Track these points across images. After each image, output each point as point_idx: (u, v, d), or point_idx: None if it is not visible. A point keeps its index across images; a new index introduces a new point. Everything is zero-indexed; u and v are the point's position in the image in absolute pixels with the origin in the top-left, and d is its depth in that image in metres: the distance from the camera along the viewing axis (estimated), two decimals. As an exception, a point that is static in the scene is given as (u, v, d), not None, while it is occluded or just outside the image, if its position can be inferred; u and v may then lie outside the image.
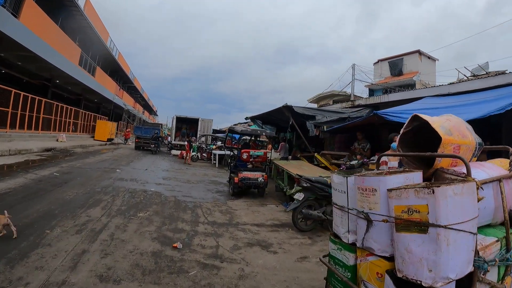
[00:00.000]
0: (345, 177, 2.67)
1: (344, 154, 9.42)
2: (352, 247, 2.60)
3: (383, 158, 6.27)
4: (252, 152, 9.46)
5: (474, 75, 14.45)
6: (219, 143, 22.63)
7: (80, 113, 28.65)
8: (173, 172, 13.71)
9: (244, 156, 9.31)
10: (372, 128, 10.37)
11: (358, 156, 9.28)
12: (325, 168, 9.93)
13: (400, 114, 7.68)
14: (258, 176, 9.19)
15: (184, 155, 20.13)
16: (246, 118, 16.62)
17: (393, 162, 6.21)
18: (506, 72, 9.62)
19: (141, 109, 53.02)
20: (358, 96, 23.40)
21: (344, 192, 2.67)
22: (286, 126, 13.84)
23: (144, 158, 18.94)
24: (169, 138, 28.48)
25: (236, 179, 9.05)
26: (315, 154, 10.30)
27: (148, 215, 6.43)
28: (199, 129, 24.85)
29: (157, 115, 78.71)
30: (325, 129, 12.74)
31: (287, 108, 10.64)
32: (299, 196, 6.36)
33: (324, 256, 3.06)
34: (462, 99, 8.32)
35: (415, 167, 2.67)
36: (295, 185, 8.05)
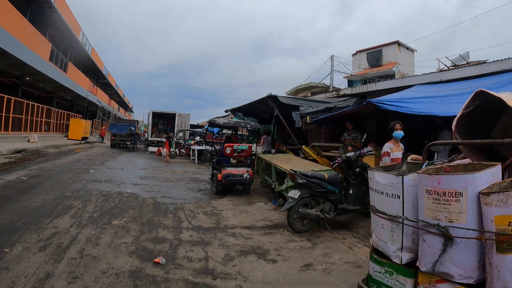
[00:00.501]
0: (400, 176, 1.93)
1: (337, 145, 8.78)
2: (408, 270, 1.91)
3: (385, 149, 5.67)
4: (236, 146, 8.70)
5: (455, 65, 14.18)
6: (197, 138, 21.78)
7: (52, 111, 27.20)
8: (151, 170, 12.78)
9: (228, 151, 8.53)
10: (357, 118, 9.82)
11: (350, 148, 8.69)
12: (314, 161, 9.31)
13: (397, 103, 7.11)
14: (243, 172, 8.45)
15: (162, 152, 19.15)
16: (226, 111, 15.77)
17: (397, 153, 5.61)
18: (486, 61, 9.22)
19: (116, 106, 51.03)
20: (337, 88, 23.02)
21: (398, 197, 1.95)
22: (269, 118, 13.13)
23: (120, 156, 17.87)
24: (146, 134, 27.38)
25: (219, 176, 8.28)
26: (303, 147, 9.64)
27: (124, 222, 5.58)
28: (176, 124, 23.85)
29: (133, 112, 76.54)
30: (308, 121, 12.14)
31: (272, 98, 9.92)
32: (294, 193, 5.66)
33: (363, 280, 2.36)
34: (458, 87, 7.84)
35: (476, 158, 2.01)
36: (285, 180, 7.37)
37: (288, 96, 10.92)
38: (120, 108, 58.08)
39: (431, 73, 9.93)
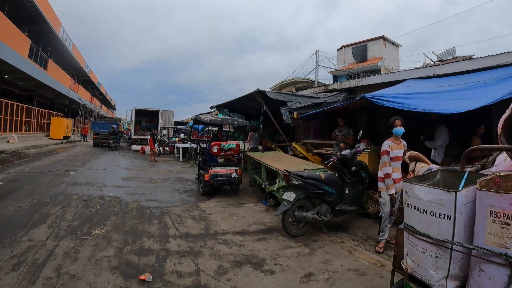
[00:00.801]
0: (452, 193, 1.53)
1: (331, 142, 8.44)
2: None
3: (384, 147, 5.33)
4: (223, 144, 8.27)
5: (441, 60, 14.05)
6: (182, 135, 21.24)
7: (33, 110, 26.07)
8: (134, 170, 12.23)
9: (215, 149, 8.10)
10: (347, 113, 9.50)
11: (342, 145, 8.38)
12: (304, 158, 8.98)
13: (393, 99, 6.77)
14: (232, 171, 8.05)
15: (145, 150, 18.54)
16: (212, 107, 15.23)
17: (397, 151, 5.28)
18: (473, 57, 9.02)
19: (98, 104, 49.76)
20: (323, 83, 22.78)
21: (448, 217, 1.55)
22: (256, 114, 12.71)
23: (103, 156, 17.19)
24: (129, 132, 26.65)
25: (206, 176, 7.85)
26: (293, 144, 9.27)
27: (105, 231, 5.10)
28: (160, 121, 23.20)
29: (115, 110, 74.97)
30: (295, 117, 11.79)
31: (260, 94, 9.50)
32: (289, 196, 5.28)
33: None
34: (454, 82, 7.60)
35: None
36: (277, 180, 7.01)
37: (276, 91, 10.53)
38: (103, 105, 56.80)
39: (424, 67, 9.68)
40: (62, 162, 13.58)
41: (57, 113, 31.91)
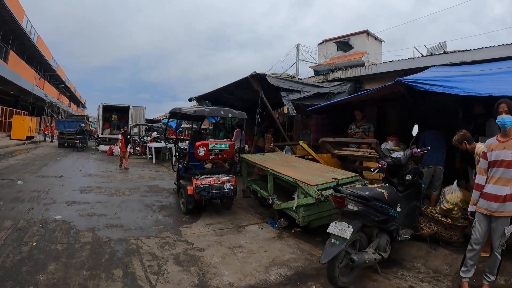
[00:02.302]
0: None
1: (367, 141, 6.23)
2: None
3: (483, 147, 3.36)
4: (212, 144, 6.02)
5: (431, 54, 12.78)
6: (154, 134, 18.70)
7: None
8: (98, 177, 9.70)
9: (201, 152, 5.82)
10: (351, 107, 7.61)
11: (391, 139, 6.49)
12: (314, 160, 6.91)
13: (440, 82, 4.98)
14: (224, 181, 5.84)
15: (114, 151, 15.87)
16: (190, 99, 12.65)
17: (505, 152, 3.29)
18: (468, 50, 7.45)
19: (67, 101, 45.61)
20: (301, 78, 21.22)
21: None
22: (244, 106, 10.52)
23: (64, 159, 14.45)
24: (97, 131, 23.73)
25: (190, 189, 5.61)
26: (301, 143, 7.12)
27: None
28: (130, 118, 20.45)
29: (86, 108, 70.00)
30: (284, 111, 9.71)
31: (257, 79, 7.30)
32: (342, 229, 3.13)
33: None
34: (499, 66, 5.85)
35: None
36: (295, 195, 4.90)
37: (277, 77, 8.39)
38: (72, 103, 52.61)
39: (452, 52, 7.95)
40: (14, 167, 10.88)
41: (20, 111, 28.33)
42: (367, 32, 25.54)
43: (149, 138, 17.61)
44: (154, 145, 14.81)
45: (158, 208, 6.29)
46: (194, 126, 9.14)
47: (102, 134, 20.64)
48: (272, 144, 8.12)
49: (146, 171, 11.26)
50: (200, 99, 11.45)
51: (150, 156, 14.74)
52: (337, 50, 26.92)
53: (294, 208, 4.88)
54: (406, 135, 5.57)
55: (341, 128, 7.95)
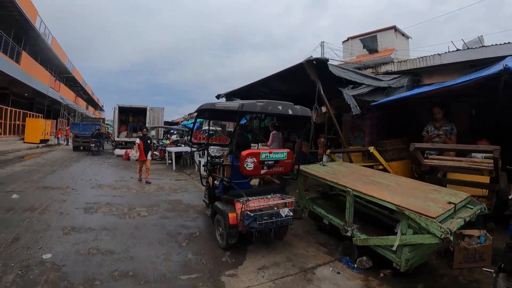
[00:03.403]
0: None
1: (488, 148, 4.29)
2: None
3: None
4: (265, 154, 4.20)
5: (468, 48, 11.17)
6: (174, 137, 17.04)
7: (3, 110, 21.39)
8: (109, 188, 8.01)
9: (249, 164, 4.06)
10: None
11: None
12: (384, 170, 5.11)
13: None
14: (280, 205, 4.10)
15: (131, 155, 14.15)
16: (218, 96, 10.60)
17: None
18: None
19: (84, 104, 44.43)
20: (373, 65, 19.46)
21: None
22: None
23: (76, 164, 12.83)
24: (113, 134, 22.28)
25: (232, 217, 3.91)
26: (372, 149, 5.29)
27: None
28: (147, 120, 18.76)
29: (103, 111, 69.17)
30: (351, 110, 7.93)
31: (315, 65, 5.49)
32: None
33: None
34: None
35: None
36: (397, 230, 3.13)
37: (337, 65, 6.56)
38: (89, 106, 51.63)
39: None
40: (17, 175, 9.31)
41: (35, 114, 27.14)
42: (394, 28, 23.40)
43: (168, 142, 15.96)
44: (174, 149, 13.09)
45: (185, 239, 4.55)
46: (218, 128, 7.29)
47: (118, 137, 19.06)
48: (328, 151, 6.28)
49: (165, 180, 9.54)
50: (230, 96, 9.59)
51: (170, 161, 13.01)
52: (363, 48, 24.89)
53: (395, 248, 3.12)
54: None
55: (396, 130, 6.94)
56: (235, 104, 3.95)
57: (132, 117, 20.14)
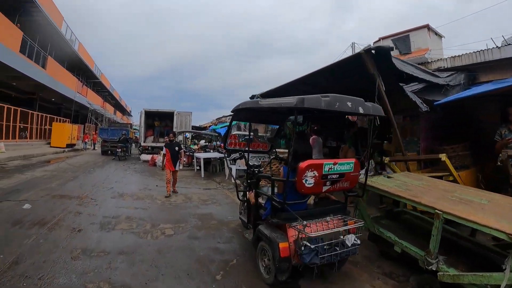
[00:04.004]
0: None
1: None
2: None
3: None
4: (329, 165, 3.13)
5: (508, 44, 10.07)
6: (202, 142, 16.23)
7: (30, 115, 21.40)
8: (131, 198, 7.19)
9: (309, 180, 3.09)
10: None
11: None
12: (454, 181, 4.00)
13: None
14: (343, 230, 3.14)
15: (157, 161, 13.45)
16: (253, 97, 9.10)
17: None
18: None
19: (112, 109, 44.73)
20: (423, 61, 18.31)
21: None
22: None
23: (99, 170, 12.22)
24: (139, 139, 21.86)
25: (284, 248, 2.93)
26: (444, 157, 4.14)
27: None
28: (174, 125, 18.04)
29: (131, 116, 70.05)
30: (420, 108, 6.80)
31: (375, 55, 4.43)
32: None
33: None
34: None
35: None
36: (509, 264, 2.03)
37: (396, 57, 5.53)
38: (117, 111, 52.13)
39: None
40: (35, 181, 8.71)
41: (62, 118, 27.30)
42: (428, 27, 21.86)
43: (196, 147, 15.17)
44: (203, 155, 12.21)
45: (220, 269, 3.60)
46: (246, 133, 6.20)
47: (144, 142, 18.47)
48: (387, 159, 5.21)
49: (193, 189, 8.63)
50: (266, 97, 8.56)
51: (198, 168, 12.18)
52: (395, 48, 23.42)
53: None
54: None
55: (454, 134, 6.39)
56: (291, 99, 2.92)
57: (159, 121, 19.56)
